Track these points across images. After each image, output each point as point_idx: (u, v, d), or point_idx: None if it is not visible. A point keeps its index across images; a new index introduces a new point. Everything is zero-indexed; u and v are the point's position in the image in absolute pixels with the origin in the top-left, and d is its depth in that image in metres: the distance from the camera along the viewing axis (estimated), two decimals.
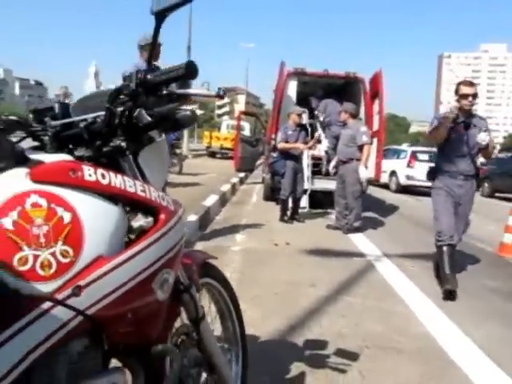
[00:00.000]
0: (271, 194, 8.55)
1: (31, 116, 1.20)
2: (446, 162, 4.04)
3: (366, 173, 6.46)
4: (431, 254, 4.79)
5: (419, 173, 13.27)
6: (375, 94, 7.91)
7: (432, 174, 4.22)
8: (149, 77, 1.02)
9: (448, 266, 3.77)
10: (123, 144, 1.09)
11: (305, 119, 7.86)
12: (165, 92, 1.08)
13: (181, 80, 1.04)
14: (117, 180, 0.98)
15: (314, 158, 8.09)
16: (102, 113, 1.09)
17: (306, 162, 7.58)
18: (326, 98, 8.77)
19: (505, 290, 4.07)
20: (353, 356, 2.43)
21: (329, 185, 7.53)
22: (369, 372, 2.33)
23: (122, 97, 1.05)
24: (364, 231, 6.49)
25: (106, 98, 1.27)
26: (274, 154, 7.57)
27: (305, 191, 7.44)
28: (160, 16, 1.00)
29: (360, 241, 5.89)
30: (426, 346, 2.74)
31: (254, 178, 11.96)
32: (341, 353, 2.44)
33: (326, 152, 8.38)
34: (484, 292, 3.97)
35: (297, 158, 7.16)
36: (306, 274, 4.11)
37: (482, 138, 3.83)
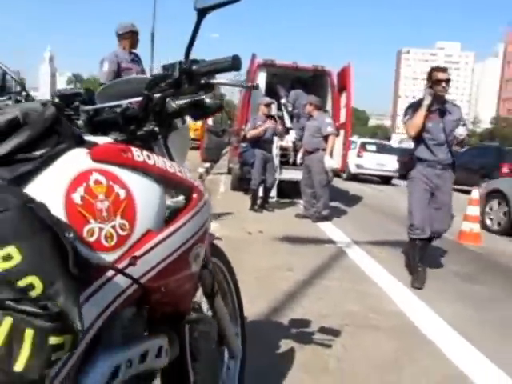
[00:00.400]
0: (239, 184, 8.65)
1: (57, 101, 1.26)
2: (424, 152, 3.90)
3: (330, 162, 6.68)
4: (395, 241, 5.09)
5: (367, 162, 15.13)
6: (343, 87, 8.13)
7: (408, 165, 4.15)
8: (194, 67, 1.10)
9: (418, 258, 3.93)
10: (156, 128, 1.18)
11: (273, 110, 8.00)
12: (203, 81, 1.17)
13: (225, 72, 1.13)
14: (159, 161, 1.07)
15: (281, 148, 8.24)
16: (136, 99, 1.17)
17: (275, 152, 7.73)
18: (294, 89, 8.95)
19: (465, 273, 4.37)
20: (335, 333, 2.60)
21: (296, 175, 7.71)
22: (351, 346, 2.51)
23: (162, 84, 1.13)
24: (331, 220, 6.73)
25: (126, 86, 1.36)
26: (244, 144, 7.68)
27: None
28: (202, 13, 1.08)
29: (328, 229, 6.11)
30: (400, 323, 2.95)
31: (219, 169, 12.01)
32: (324, 330, 2.59)
33: (294, 143, 8.56)
34: (448, 275, 4.25)
35: (266, 148, 7.30)
36: (282, 260, 4.26)
37: (460, 132, 3.82)
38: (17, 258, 0.59)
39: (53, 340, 0.57)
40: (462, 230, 6.06)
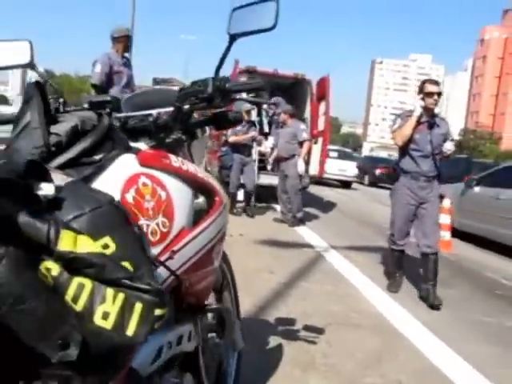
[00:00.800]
0: None
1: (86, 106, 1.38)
2: (409, 163, 3.88)
3: (303, 167, 6.91)
4: (370, 246, 5.34)
5: (330, 167, 15.55)
6: (321, 96, 8.37)
7: (392, 176, 4.15)
8: (227, 85, 1.24)
9: (395, 267, 4.09)
10: (183, 137, 1.31)
11: (253, 116, 8.17)
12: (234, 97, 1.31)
13: (254, 91, 1.27)
14: (190, 166, 1.20)
15: (259, 154, 8.42)
16: (166, 109, 1.30)
17: (254, 157, 7.90)
18: (274, 95, 9.14)
19: (439, 278, 4.61)
20: (319, 330, 2.76)
21: (273, 180, 7.90)
22: (335, 342, 2.69)
23: (192, 98, 1.26)
24: (307, 224, 6.94)
25: (152, 96, 1.49)
26: (224, 148, 7.82)
27: None
28: (233, 38, 1.22)
29: (306, 233, 6.32)
30: (379, 322, 3.15)
31: None
32: (308, 328, 2.75)
33: (272, 149, 8.75)
34: (414, 275, 4.48)
35: (244, 152, 7.48)
36: (264, 262, 4.40)
37: (448, 147, 3.82)
38: (112, 246, 0.71)
39: (157, 312, 0.70)
40: (442, 239, 6.35)
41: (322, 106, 8.40)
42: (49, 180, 0.72)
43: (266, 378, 2.19)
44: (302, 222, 6.89)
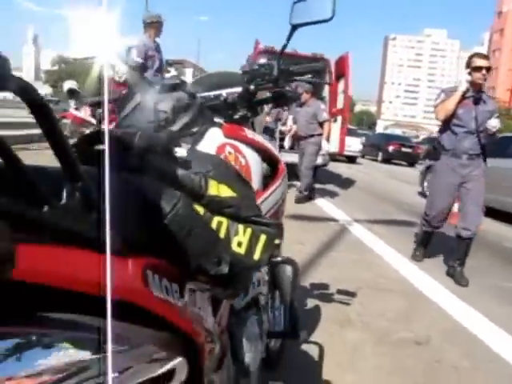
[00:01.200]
0: None
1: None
2: (450, 140, 3.68)
3: (327, 146, 7.09)
4: (391, 220, 5.52)
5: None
6: (341, 74, 8.46)
7: (433, 153, 3.94)
8: (291, 68, 1.43)
9: (421, 244, 4.14)
10: (248, 113, 1.51)
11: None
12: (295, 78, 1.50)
13: (313, 73, 1.46)
14: (260, 138, 1.41)
15: (280, 132, 8.58)
16: (235, 89, 1.50)
17: (276, 136, 8.07)
18: None
19: None
20: (351, 294, 2.97)
21: (293, 158, 8.07)
22: (367, 304, 2.91)
23: (258, 79, 1.45)
24: (329, 199, 7.16)
25: (218, 77, 1.68)
26: None
27: None
28: (294, 27, 1.40)
29: (329, 208, 6.53)
30: (407, 287, 3.36)
31: None
32: (341, 292, 2.96)
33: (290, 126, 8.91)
34: (442, 250, 4.68)
35: (267, 132, 7.64)
36: (293, 234, 4.61)
37: (493, 124, 3.56)
38: (238, 193, 0.92)
39: (276, 241, 0.91)
40: (452, 212, 6.50)
41: (341, 85, 8.49)
42: (179, 146, 0.93)
43: (308, 332, 2.42)
44: (310, 199, 7.06)
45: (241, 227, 0.85)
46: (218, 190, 0.84)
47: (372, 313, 2.80)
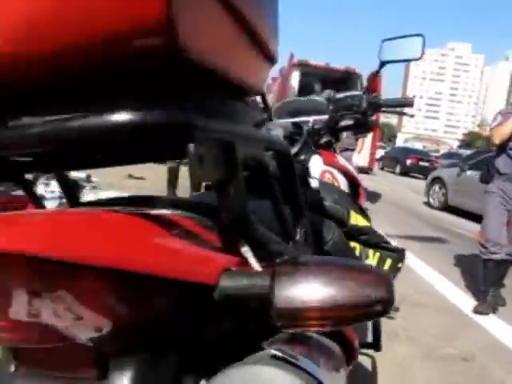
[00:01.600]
0: None
1: None
2: (505, 164, 3.50)
3: (357, 160, 7.24)
4: (421, 236, 5.61)
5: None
6: (372, 90, 8.56)
7: (486, 177, 3.77)
8: (381, 101, 1.58)
9: (486, 282, 3.54)
10: (332, 140, 1.66)
11: None
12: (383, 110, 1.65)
13: (401, 107, 1.61)
14: (347, 164, 1.55)
15: None
16: (321, 117, 1.64)
17: None
18: (327, 88, 9.39)
19: None
20: (395, 308, 3.10)
21: None
22: (409, 317, 3.03)
23: (345, 110, 1.60)
24: None
25: (301, 104, 1.83)
26: None
27: None
28: (383, 63, 1.55)
29: None
30: (443, 304, 3.47)
31: None
32: None
33: None
34: (471, 263, 4.74)
35: None
36: None
37: None
38: (360, 219, 1.06)
39: (399, 265, 1.05)
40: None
41: None
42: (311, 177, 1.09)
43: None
44: None
45: (371, 252, 0.99)
46: (356, 219, 0.98)
47: (416, 329, 2.91)
